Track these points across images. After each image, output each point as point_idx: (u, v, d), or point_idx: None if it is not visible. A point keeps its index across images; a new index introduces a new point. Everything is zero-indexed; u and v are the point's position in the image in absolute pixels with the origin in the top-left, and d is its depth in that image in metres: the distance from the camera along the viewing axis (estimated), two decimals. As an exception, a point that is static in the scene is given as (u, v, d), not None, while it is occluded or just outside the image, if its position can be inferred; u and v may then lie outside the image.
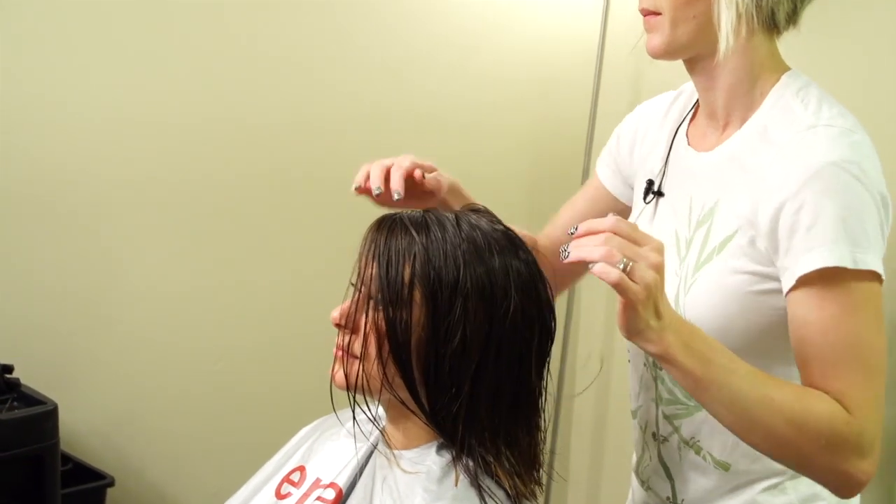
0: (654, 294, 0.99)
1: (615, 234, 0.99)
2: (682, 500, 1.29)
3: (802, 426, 1.05)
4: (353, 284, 1.20)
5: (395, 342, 1.13)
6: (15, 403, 1.81)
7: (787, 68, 1.23)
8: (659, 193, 1.32)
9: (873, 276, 1.08)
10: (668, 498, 1.31)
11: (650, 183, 1.34)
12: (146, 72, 2.10)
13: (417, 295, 1.14)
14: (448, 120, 2.43)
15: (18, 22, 1.96)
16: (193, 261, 2.20)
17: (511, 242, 1.18)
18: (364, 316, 1.18)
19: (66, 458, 1.95)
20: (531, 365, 1.16)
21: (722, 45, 1.15)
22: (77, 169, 2.05)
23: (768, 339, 1.18)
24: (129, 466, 2.15)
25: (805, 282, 1.09)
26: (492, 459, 1.15)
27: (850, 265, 1.06)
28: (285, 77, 2.24)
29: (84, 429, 2.10)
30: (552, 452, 2.57)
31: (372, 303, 1.17)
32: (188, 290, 2.20)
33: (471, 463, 1.15)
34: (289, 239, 2.30)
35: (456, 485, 1.12)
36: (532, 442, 1.19)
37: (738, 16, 1.14)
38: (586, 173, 2.47)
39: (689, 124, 1.33)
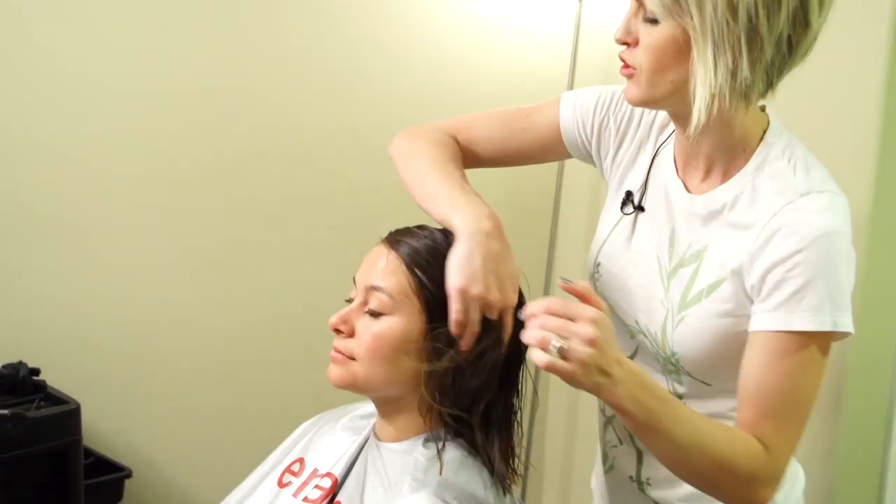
0: (595, 363, 1.01)
1: (548, 314, 1.02)
2: (647, 478, 1.33)
3: (728, 469, 1.11)
4: (347, 301, 1.25)
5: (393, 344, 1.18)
6: (42, 403, 1.85)
7: (765, 119, 1.22)
8: (640, 208, 1.30)
9: (842, 335, 1.12)
10: (630, 477, 1.35)
11: (629, 194, 1.32)
12: (146, 79, 2.12)
13: (418, 300, 1.19)
14: None
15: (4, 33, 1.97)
16: (203, 273, 2.24)
17: None
18: (359, 321, 1.22)
19: (88, 453, 1.99)
20: (511, 363, 1.21)
21: (694, 120, 1.12)
22: (95, 188, 2.10)
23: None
24: (144, 460, 2.20)
25: (770, 332, 1.12)
26: (477, 449, 1.20)
27: (830, 328, 1.10)
28: (281, 90, 2.26)
29: (104, 426, 2.14)
30: (528, 444, 2.56)
31: (367, 310, 1.22)
32: (198, 300, 2.25)
33: (457, 451, 1.19)
34: (290, 252, 2.32)
35: (440, 473, 1.16)
36: (509, 435, 1.24)
37: (712, 95, 1.11)
38: (558, 190, 2.51)
39: (674, 150, 1.29)
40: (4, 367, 1.89)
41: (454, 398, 1.19)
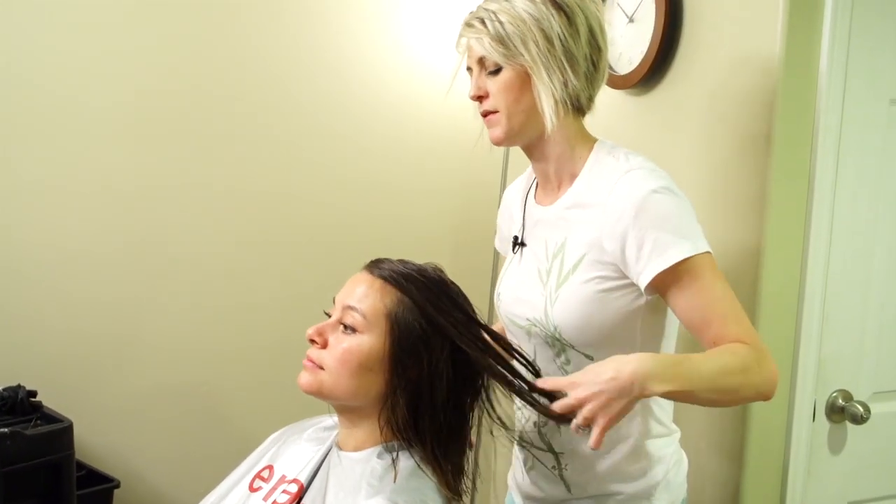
0: (609, 401, 1.22)
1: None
2: (566, 465, 1.50)
3: (748, 370, 1.31)
4: (326, 314, 1.32)
5: (360, 362, 1.25)
6: (38, 422, 1.90)
7: (594, 139, 1.50)
8: (522, 244, 1.56)
9: (707, 254, 1.36)
10: (553, 467, 1.52)
11: (515, 238, 1.58)
12: (124, 111, 2.18)
13: (387, 324, 1.26)
14: (385, 184, 2.51)
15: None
16: (185, 299, 2.29)
17: (462, 294, 1.33)
18: (333, 335, 1.29)
19: (80, 466, 2.04)
20: (465, 383, 1.30)
21: (548, 124, 1.42)
22: (86, 216, 2.16)
23: (616, 331, 1.43)
24: (132, 471, 2.25)
25: (667, 278, 1.34)
26: (428, 461, 1.27)
27: (693, 252, 1.34)
28: (240, 152, 2.32)
29: (95, 441, 2.20)
30: (476, 455, 2.54)
31: (341, 328, 1.28)
32: (178, 325, 2.29)
33: (409, 461, 1.26)
34: (271, 277, 2.38)
35: (395, 481, 1.23)
36: (461, 448, 1.32)
37: (556, 102, 1.41)
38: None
39: (535, 191, 1.58)
40: (5, 389, 1.95)
41: (411, 416, 1.26)
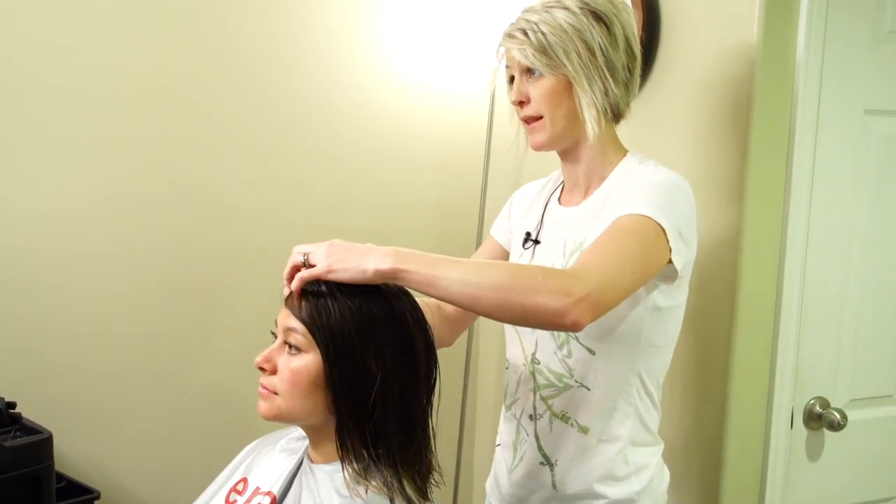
0: (334, 252, 1.23)
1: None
2: (556, 460, 1.53)
3: (517, 272, 1.26)
4: (273, 333, 1.31)
5: (306, 382, 1.24)
6: (18, 433, 1.89)
7: (626, 149, 1.56)
8: (536, 241, 1.60)
9: (658, 227, 1.35)
10: (542, 462, 1.55)
11: (528, 234, 1.62)
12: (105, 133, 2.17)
13: (319, 342, 1.24)
14: (364, 198, 2.51)
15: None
16: (163, 313, 2.29)
17: (396, 291, 1.28)
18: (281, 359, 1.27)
19: (60, 477, 2.02)
20: (421, 392, 1.28)
21: (590, 133, 1.47)
22: (63, 228, 2.15)
23: (621, 327, 1.46)
24: (111, 482, 2.25)
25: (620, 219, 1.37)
26: (392, 471, 1.25)
27: (648, 214, 1.35)
28: (216, 162, 2.31)
29: (74, 452, 2.20)
30: (458, 463, 2.58)
31: (287, 348, 1.27)
32: (158, 338, 2.29)
33: (376, 474, 1.25)
34: (248, 294, 2.38)
35: (366, 493, 1.23)
36: (423, 456, 1.30)
37: (597, 111, 1.47)
38: (479, 240, 2.56)
39: (560, 194, 1.62)
40: (-16, 401, 1.90)
41: (358, 427, 1.25)
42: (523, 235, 1.64)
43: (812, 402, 1.91)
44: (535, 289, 1.22)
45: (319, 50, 2.42)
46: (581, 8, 1.47)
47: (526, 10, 1.51)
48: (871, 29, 1.86)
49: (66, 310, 2.21)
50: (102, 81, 2.18)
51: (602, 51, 1.47)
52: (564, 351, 1.52)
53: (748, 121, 1.79)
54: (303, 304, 1.27)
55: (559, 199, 1.62)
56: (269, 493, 1.33)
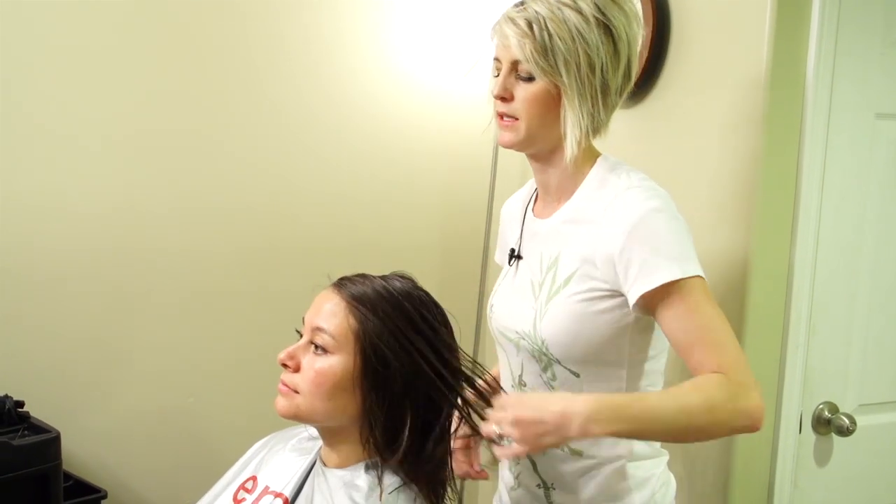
0: (528, 434, 1.18)
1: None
2: (552, 484, 1.50)
3: (714, 408, 1.25)
4: (298, 332, 1.30)
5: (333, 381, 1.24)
6: (26, 432, 1.90)
7: (598, 153, 1.47)
8: (518, 257, 1.54)
9: (698, 278, 1.32)
10: (538, 485, 1.52)
11: (512, 251, 1.56)
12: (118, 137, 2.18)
13: (356, 343, 1.24)
14: (372, 199, 2.51)
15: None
16: (167, 319, 2.30)
17: (431, 303, 1.30)
18: (305, 358, 1.27)
19: (68, 476, 2.03)
20: (444, 401, 1.29)
21: (568, 154, 1.39)
22: (73, 232, 2.16)
23: (603, 347, 1.40)
24: (118, 482, 2.25)
25: (655, 298, 1.30)
26: (410, 476, 1.26)
27: (680, 276, 1.30)
28: (217, 167, 2.31)
29: (82, 452, 2.20)
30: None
31: (313, 348, 1.27)
32: (164, 340, 2.30)
33: (394, 477, 1.26)
34: (251, 297, 2.38)
35: (380, 499, 1.23)
36: (442, 460, 1.31)
37: (581, 132, 1.38)
38: (487, 246, 2.55)
39: (534, 204, 1.55)
40: (-8, 400, 1.93)
41: (390, 433, 1.26)
42: (509, 252, 1.59)
43: (821, 406, 1.91)
44: (730, 423, 1.28)
45: (326, 54, 2.42)
46: (595, 16, 1.36)
47: None
48: (883, 33, 1.86)
49: (74, 309, 2.21)
50: (104, 82, 2.18)
51: (602, 70, 1.37)
52: (549, 374, 1.46)
53: (758, 125, 1.79)
54: (345, 306, 1.27)
55: (533, 209, 1.56)
56: (280, 495, 1.33)
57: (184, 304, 2.33)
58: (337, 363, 1.25)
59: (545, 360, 1.45)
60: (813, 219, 1.83)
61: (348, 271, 1.36)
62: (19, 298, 2.14)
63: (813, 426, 1.90)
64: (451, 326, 1.32)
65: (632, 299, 1.33)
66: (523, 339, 1.46)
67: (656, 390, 1.47)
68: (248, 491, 1.37)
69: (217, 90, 2.30)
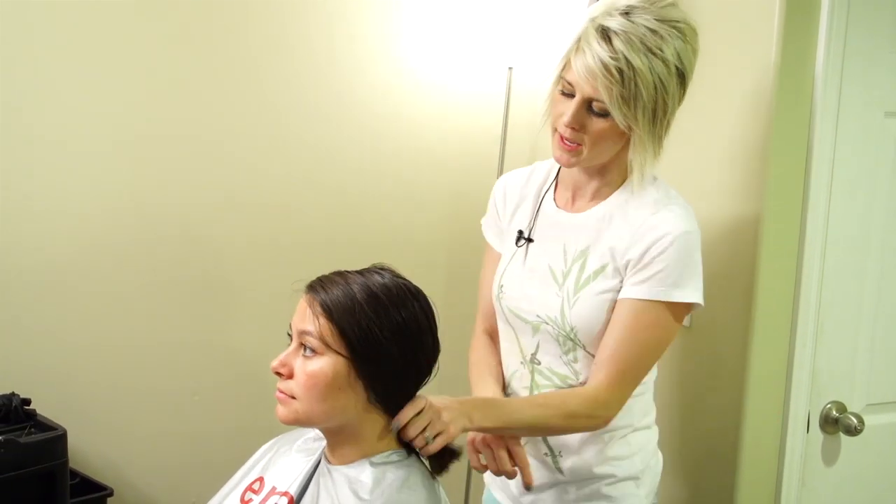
0: (451, 425, 1.33)
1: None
2: (559, 452, 1.60)
3: (573, 416, 1.47)
4: (289, 335, 1.31)
5: (326, 382, 1.25)
6: (32, 430, 1.92)
7: None
8: (529, 240, 1.60)
9: (685, 306, 1.47)
10: (546, 454, 1.60)
11: (521, 232, 1.61)
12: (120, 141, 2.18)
13: (342, 340, 1.25)
14: (380, 196, 2.50)
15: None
16: (177, 315, 2.30)
17: (408, 292, 1.30)
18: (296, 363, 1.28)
19: (74, 474, 2.04)
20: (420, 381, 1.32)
21: (636, 181, 1.49)
22: (80, 232, 2.16)
23: None
24: (125, 480, 2.27)
25: (636, 300, 1.45)
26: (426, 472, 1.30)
27: (663, 298, 1.45)
28: (226, 164, 2.30)
29: (88, 449, 2.21)
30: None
31: (303, 351, 1.27)
32: (171, 336, 2.30)
33: (398, 472, 1.27)
34: (255, 296, 2.37)
35: (384, 495, 1.25)
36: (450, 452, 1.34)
37: (648, 164, 1.47)
38: None
39: (553, 192, 1.61)
40: (-1, 397, 1.96)
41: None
42: (516, 233, 1.63)
43: (829, 406, 1.91)
44: (586, 427, 1.52)
45: (337, 53, 2.41)
46: (676, 66, 1.42)
47: (631, 35, 1.39)
48: (891, 32, 1.85)
49: (81, 308, 2.22)
50: (104, 81, 2.18)
51: (670, 112, 1.45)
52: (570, 356, 1.56)
53: (767, 123, 1.78)
54: (321, 307, 1.28)
55: (555, 200, 1.60)
56: (285, 494, 1.33)
57: (189, 302, 2.33)
58: (327, 364, 1.26)
59: (570, 343, 1.54)
60: (821, 218, 1.84)
61: (353, 268, 1.37)
62: (26, 297, 2.15)
63: (821, 425, 1.91)
64: (433, 312, 1.33)
65: (625, 294, 1.47)
66: (546, 323, 1.55)
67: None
68: (255, 492, 1.38)
69: (222, 90, 2.29)
